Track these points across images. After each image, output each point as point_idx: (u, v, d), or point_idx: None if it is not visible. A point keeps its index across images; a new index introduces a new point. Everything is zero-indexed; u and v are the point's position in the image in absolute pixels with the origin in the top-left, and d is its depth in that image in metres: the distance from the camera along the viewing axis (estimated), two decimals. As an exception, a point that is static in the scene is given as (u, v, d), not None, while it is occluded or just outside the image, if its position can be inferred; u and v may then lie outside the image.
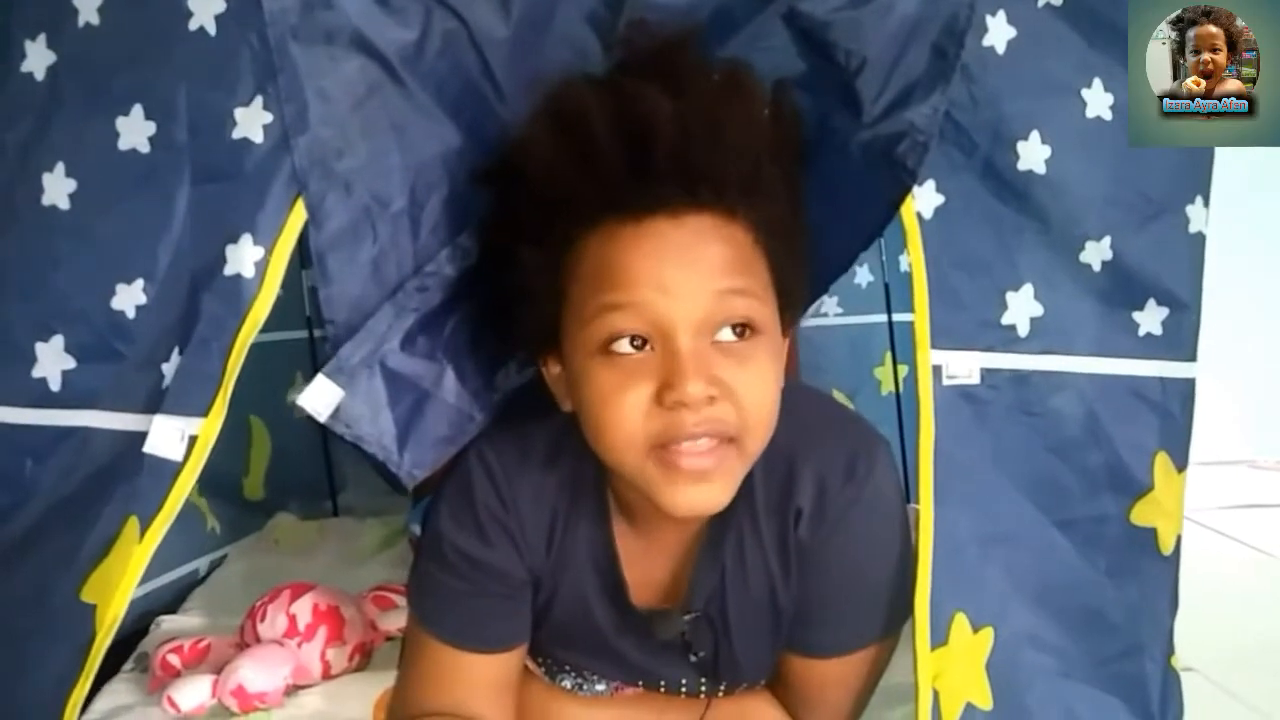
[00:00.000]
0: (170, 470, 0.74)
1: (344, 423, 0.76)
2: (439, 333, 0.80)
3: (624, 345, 0.67)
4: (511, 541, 0.78)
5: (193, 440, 0.74)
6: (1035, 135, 0.78)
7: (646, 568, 0.80)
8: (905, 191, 0.77)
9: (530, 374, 0.81)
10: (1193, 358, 0.83)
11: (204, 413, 0.74)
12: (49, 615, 0.76)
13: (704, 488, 0.68)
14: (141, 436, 0.75)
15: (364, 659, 1.09)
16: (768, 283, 0.70)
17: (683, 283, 0.66)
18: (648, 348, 0.67)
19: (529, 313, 0.72)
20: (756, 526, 0.77)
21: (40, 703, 0.74)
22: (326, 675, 1.03)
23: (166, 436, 0.74)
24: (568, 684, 0.88)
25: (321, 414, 0.76)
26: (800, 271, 0.75)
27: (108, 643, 0.74)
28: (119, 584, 0.74)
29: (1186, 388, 0.83)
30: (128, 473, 0.75)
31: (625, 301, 0.66)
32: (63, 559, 0.76)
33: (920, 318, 0.78)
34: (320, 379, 0.76)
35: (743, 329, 0.67)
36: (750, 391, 0.67)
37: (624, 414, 0.66)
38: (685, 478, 0.67)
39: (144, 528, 0.74)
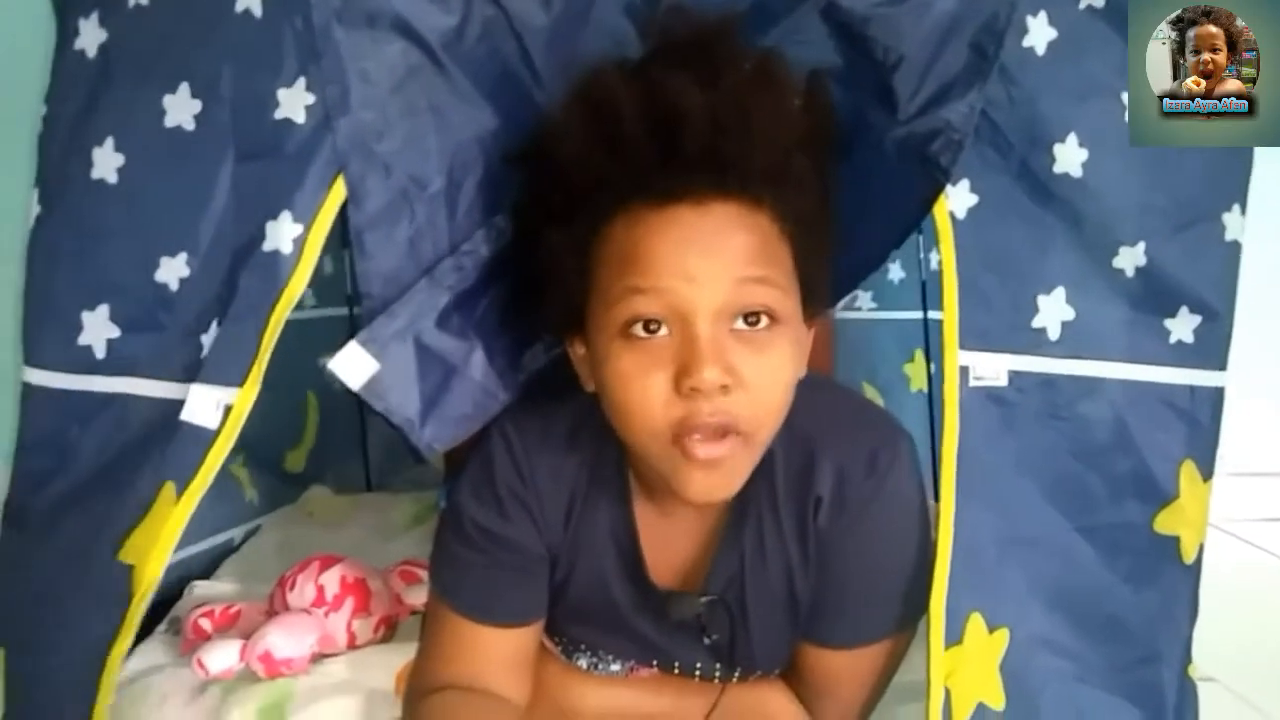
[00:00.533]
0: (206, 438, 0.76)
1: (375, 393, 0.78)
2: (472, 311, 0.82)
3: (644, 329, 0.68)
4: (530, 516, 0.79)
5: (228, 410, 0.76)
6: (1072, 138, 0.78)
7: (666, 549, 0.81)
8: (939, 190, 0.77)
9: (556, 355, 0.82)
10: (1223, 367, 0.82)
11: (240, 383, 0.76)
12: (89, 575, 0.78)
13: (716, 475, 0.69)
14: (177, 404, 0.77)
15: (389, 631, 1.10)
16: (791, 273, 0.71)
17: (705, 269, 0.66)
18: (667, 331, 0.68)
19: (556, 293, 0.74)
20: (777, 513, 0.78)
21: (82, 659, 0.77)
22: (352, 645, 1.05)
23: (203, 405, 0.76)
24: (583, 663, 0.89)
25: (354, 383, 0.77)
26: (825, 263, 0.75)
27: (146, 602, 0.76)
28: (155, 546, 0.76)
29: (1216, 396, 0.82)
30: (164, 439, 0.77)
31: (647, 286, 0.67)
32: (102, 521, 0.79)
33: (949, 318, 0.78)
34: (354, 347, 0.77)
35: (762, 317, 0.68)
36: (764, 381, 0.68)
37: (646, 400, 0.68)
38: (699, 466, 0.68)
39: (180, 492, 0.76)
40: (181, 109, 0.78)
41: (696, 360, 0.65)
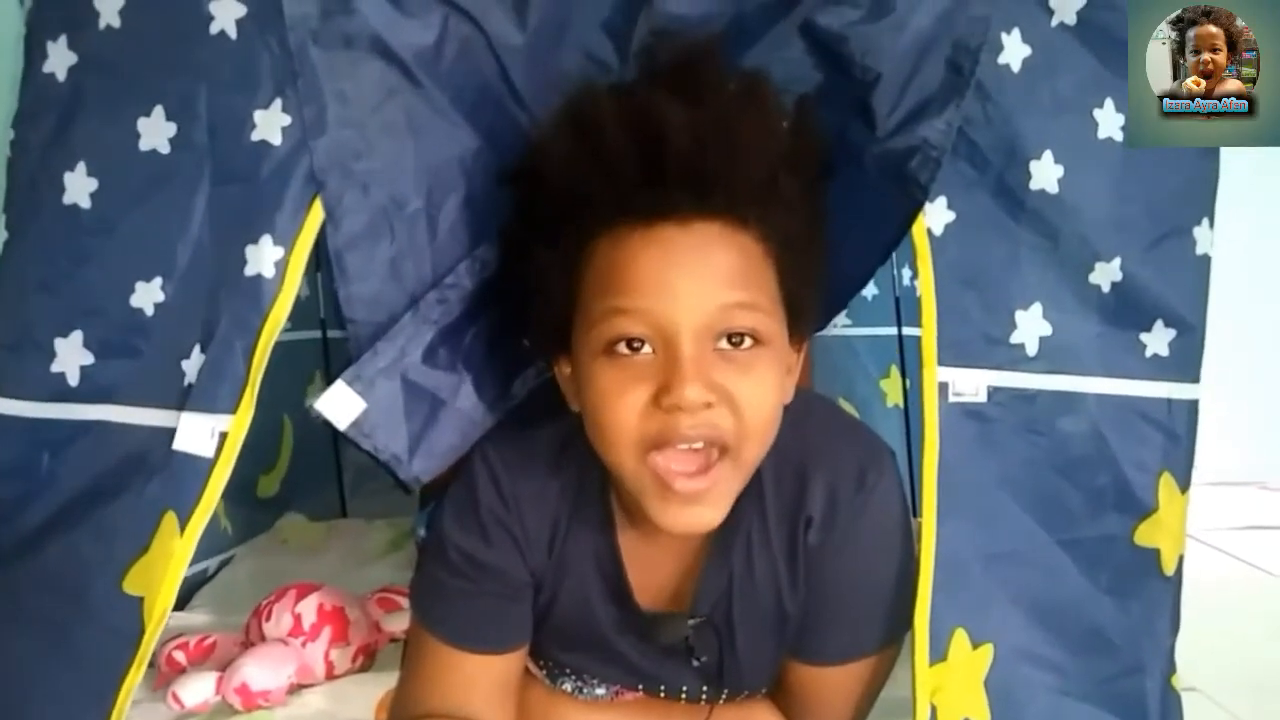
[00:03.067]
0: (203, 466, 0.75)
1: (362, 432, 0.77)
2: (459, 344, 0.81)
3: (627, 347, 0.68)
4: (513, 541, 0.79)
5: (223, 437, 0.75)
6: (1048, 154, 0.78)
7: (651, 571, 0.81)
8: (918, 208, 0.77)
9: (544, 379, 0.82)
10: (1197, 379, 0.83)
11: (232, 410, 0.75)
12: (90, 605, 0.77)
13: (697, 510, 0.69)
14: (163, 432, 0.76)
15: (368, 660, 1.09)
16: (775, 295, 0.71)
17: (688, 289, 0.66)
18: (651, 350, 0.67)
19: (543, 313, 0.73)
20: (766, 533, 0.77)
21: (91, 688, 0.75)
22: (330, 675, 1.04)
23: (197, 433, 0.75)
24: (568, 687, 0.88)
25: (341, 423, 0.76)
26: (813, 286, 0.75)
27: (159, 633, 0.75)
28: (164, 577, 0.75)
29: (1191, 408, 0.83)
30: (156, 468, 0.76)
31: (630, 306, 0.67)
32: (96, 551, 0.77)
33: (928, 334, 0.78)
34: (340, 386, 0.77)
35: (745, 338, 0.68)
36: (749, 399, 0.68)
37: (622, 413, 0.67)
38: (679, 499, 0.68)
39: (183, 522, 0.75)
40: (156, 132, 0.77)
41: (679, 377, 0.65)
